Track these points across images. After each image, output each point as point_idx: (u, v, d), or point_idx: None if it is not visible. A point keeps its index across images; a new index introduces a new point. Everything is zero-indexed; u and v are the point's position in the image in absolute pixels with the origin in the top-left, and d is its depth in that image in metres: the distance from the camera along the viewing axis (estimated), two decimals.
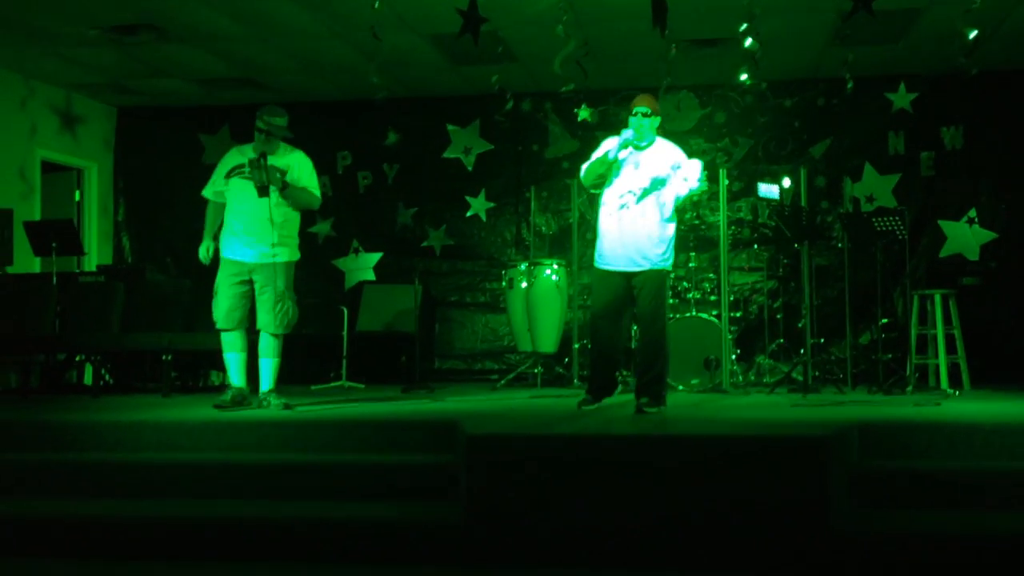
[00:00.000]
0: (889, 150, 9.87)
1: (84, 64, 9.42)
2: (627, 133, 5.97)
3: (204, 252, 6.47)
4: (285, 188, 6.24)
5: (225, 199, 6.44)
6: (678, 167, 5.96)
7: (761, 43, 7.08)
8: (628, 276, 6.01)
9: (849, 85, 8.01)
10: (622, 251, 5.97)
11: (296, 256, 6.46)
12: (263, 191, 6.15)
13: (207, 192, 6.55)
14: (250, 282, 6.33)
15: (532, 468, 4.42)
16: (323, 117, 10.71)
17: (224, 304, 6.32)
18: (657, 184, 5.95)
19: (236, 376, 6.40)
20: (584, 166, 6.14)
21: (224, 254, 6.39)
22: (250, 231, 6.27)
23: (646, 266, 5.96)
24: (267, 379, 6.34)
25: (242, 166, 6.32)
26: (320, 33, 8.55)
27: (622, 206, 5.98)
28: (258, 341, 6.38)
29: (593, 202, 6.63)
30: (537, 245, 9.94)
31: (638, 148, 6.04)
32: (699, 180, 5.87)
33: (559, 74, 7.17)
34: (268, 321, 6.30)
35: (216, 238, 6.48)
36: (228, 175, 6.40)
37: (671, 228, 6.03)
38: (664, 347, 6.07)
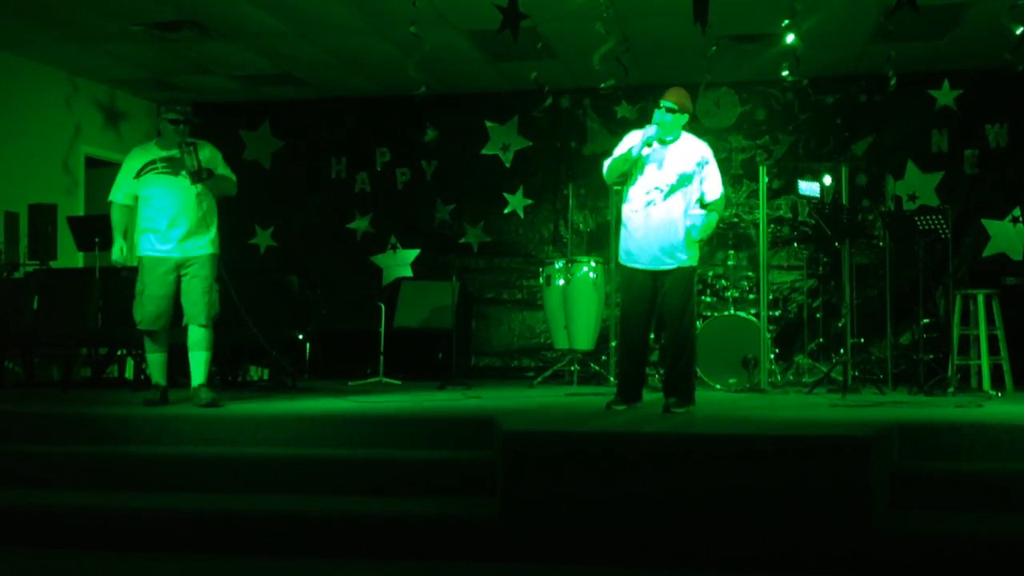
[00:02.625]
0: (932, 148, 9.76)
1: (127, 61, 9.52)
2: (649, 130, 5.86)
3: (119, 252, 6.34)
4: (211, 175, 6.21)
5: (133, 200, 6.36)
6: (705, 163, 5.91)
7: (803, 39, 7.02)
8: (655, 274, 5.93)
9: (892, 82, 7.90)
10: (649, 249, 5.89)
11: (218, 250, 6.41)
12: (197, 176, 6.13)
13: (116, 196, 6.39)
14: (176, 280, 6.29)
15: (568, 465, 4.42)
16: (362, 113, 10.78)
17: (151, 306, 6.26)
18: (684, 181, 5.87)
19: (161, 375, 6.41)
20: (607, 162, 6.04)
21: (146, 253, 6.29)
22: (176, 225, 6.21)
23: (673, 264, 5.88)
24: (199, 373, 6.31)
25: (154, 162, 6.25)
26: (360, 29, 8.59)
27: (649, 203, 5.88)
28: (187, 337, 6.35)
29: (619, 198, 6.55)
30: (575, 242, 9.92)
31: (663, 143, 5.94)
32: (713, 204, 5.87)
33: (598, 70, 7.15)
34: (196, 313, 6.26)
35: (125, 237, 6.40)
36: (139, 174, 6.29)
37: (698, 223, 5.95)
38: (692, 345, 6.01)
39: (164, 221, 6.22)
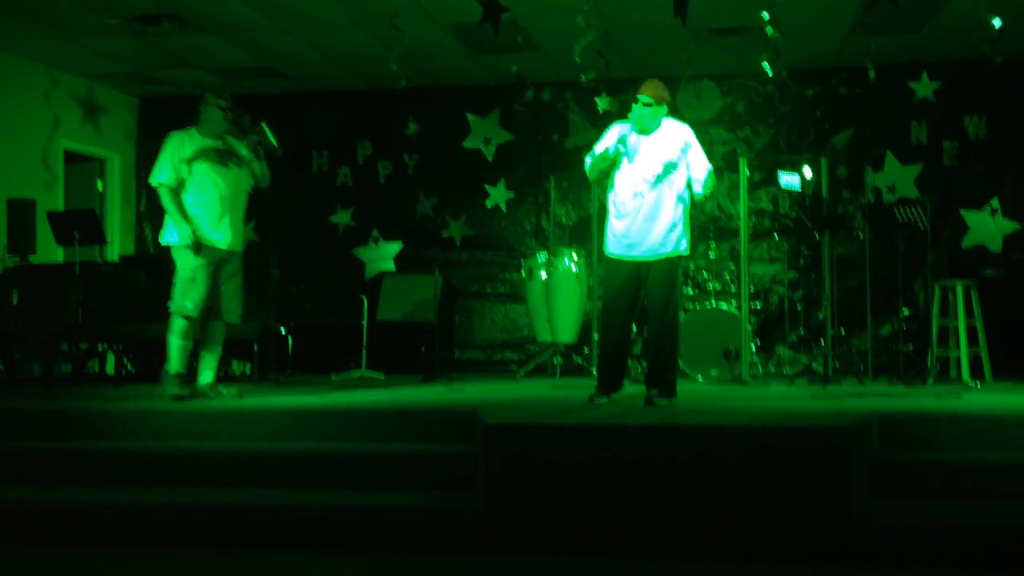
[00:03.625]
0: (912, 139, 9.81)
1: (106, 55, 9.47)
2: (625, 128, 5.88)
3: (190, 236, 6.12)
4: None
5: (173, 185, 6.19)
6: (689, 146, 5.90)
7: (782, 31, 7.05)
8: (640, 265, 5.91)
9: (871, 74, 7.96)
10: (636, 239, 5.87)
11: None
12: (275, 150, 6.14)
13: (164, 177, 6.19)
14: (217, 271, 6.24)
15: (550, 458, 4.43)
16: (344, 107, 10.75)
17: (200, 294, 6.15)
18: (669, 168, 5.85)
19: (184, 363, 6.27)
20: (588, 160, 6.03)
21: (196, 241, 6.15)
22: (225, 216, 6.20)
23: (660, 254, 5.88)
24: (214, 369, 6.35)
25: (205, 150, 6.17)
26: (341, 22, 8.57)
27: (636, 194, 5.86)
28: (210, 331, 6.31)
29: (601, 191, 6.54)
30: (557, 235, 9.93)
31: (645, 133, 5.93)
32: (704, 184, 5.86)
33: (580, 63, 7.16)
34: (234, 308, 6.29)
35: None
36: (191, 160, 6.17)
37: (684, 212, 5.94)
38: (675, 337, 5.99)
39: (215, 211, 6.18)
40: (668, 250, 5.88)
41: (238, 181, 6.30)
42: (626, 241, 5.92)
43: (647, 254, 5.88)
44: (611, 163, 5.92)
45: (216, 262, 6.23)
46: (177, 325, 6.20)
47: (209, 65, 9.82)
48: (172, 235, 6.23)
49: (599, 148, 5.96)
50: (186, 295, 6.16)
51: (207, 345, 6.35)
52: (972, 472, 4.65)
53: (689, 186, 5.95)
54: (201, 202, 6.19)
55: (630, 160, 5.90)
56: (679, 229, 5.90)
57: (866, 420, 4.79)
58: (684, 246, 5.95)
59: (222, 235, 6.22)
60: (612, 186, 5.99)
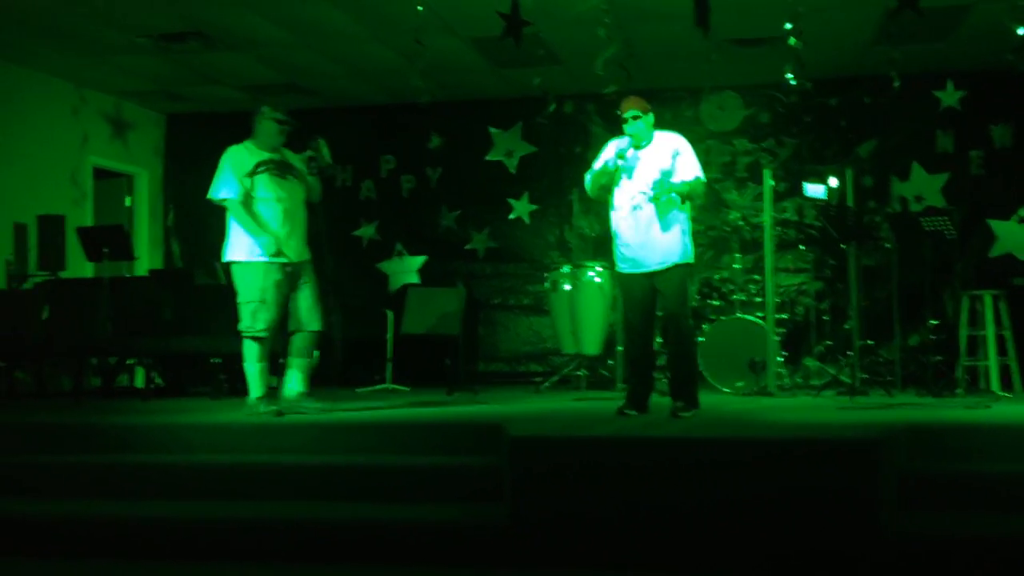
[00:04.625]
0: (937, 148, 9.75)
1: (134, 72, 9.57)
2: (622, 142, 5.94)
3: (273, 244, 6.03)
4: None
5: (245, 198, 6.10)
6: (678, 154, 5.94)
7: (805, 42, 7.03)
8: (650, 276, 5.94)
9: (896, 83, 7.92)
10: (641, 252, 5.91)
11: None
12: (330, 168, 6.07)
13: (228, 192, 6.08)
14: (288, 285, 6.16)
15: (575, 470, 4.43)
16: (367, 121, 10.81)
17: (271, 314, 6.05)
18: (666, 176, 5.87)
19: (264, 385, 6.16)
20: (587, 177, 6.09)
21: (258, 259, 6.05)
22: (287, 229, 6.10)
23: (666, 264, 5.90)
24: (301, 380, 6.20)
25: (264, 163, 6.11)
26: (364, 37, 8.63)
27: (635, 207, 5.91)
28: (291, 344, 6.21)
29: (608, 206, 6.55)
30: (580, 247, 9.94)
31: (638, 147, 5.99)
32: (693, 178, 5.87)
33: (601, 75, 7.16)
34: (313, 318, 6.19)
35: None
36: (252, 174, 6.09)
37: (685, 218, 5.97)
38: (693, 345, 6.05)
39: (280, 224, 6.09)
40: (674, 260, 5.90)
41: (298, 193, 6.21)
42: (631, 255, 5.96)
43: (653, 265, 5.91)
44: (611, 177, 5.98)
45: (286, 276, 6.11)
46: (252, 350, 6.09)
47: (234, 82, 9.91)
48: (240, 251, 6.08)
49: (598, 164, 6.05)
50: (256, 317, 6.04)
51: (292, 357, 6.22)
52: (1003, 483, 4.60)
53: (688, 197, 5.97)
54: (266, 215, 6.10)
55: (629, 176, 5.95)
56: (682, 237, 5.93)
57: (895, 431, 4.76)
58: (689, 254, 5.99)
59: (287, 248, 6.10)
60: (612, 205, 6.05)
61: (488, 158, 10.63)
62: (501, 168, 10.61)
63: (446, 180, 10.68)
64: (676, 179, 5.88)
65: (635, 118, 5.94)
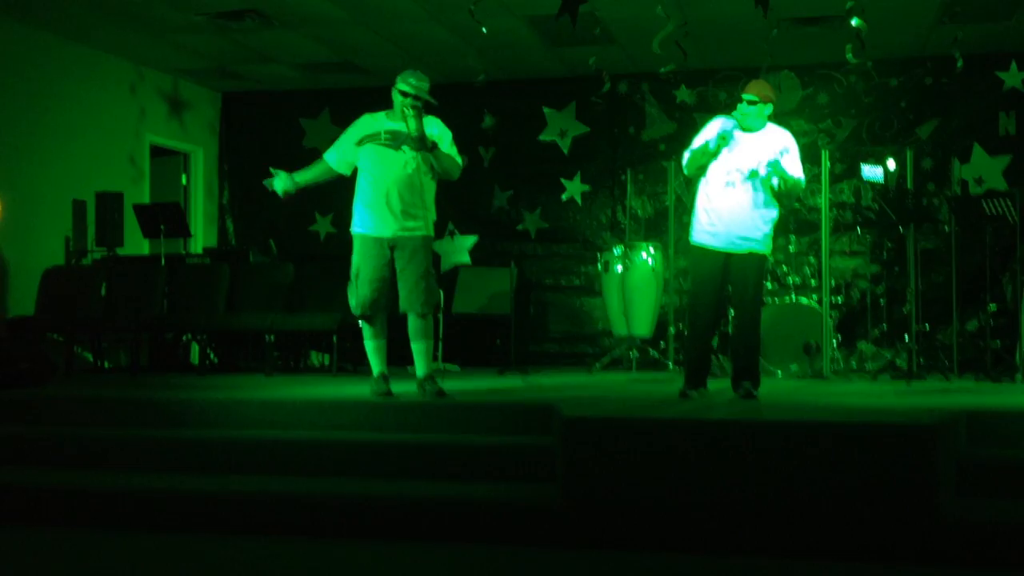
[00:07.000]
0: (1000, 131, 9.54)
1: (191, 50, 9.66)
2: (728, 123, 5.84)
3: (288, 180, 5.99)
4: (435, 147, 5.83)
5: (346, 170, 6.01)
6: (786, 151, 5.87)
7: (867, 21, 6.90)
8: (727, 256, 5.89)
9: (959, 64, 7.75)
10: (724, 229, 5.85)
11: (434, 232, 6.05)
12: (420, 143, 5.71)
13: (331, 157, 6.03)
14: (391, 261, 5.89)
15: (629, 451, 4.41)
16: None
17: (366, 290, 5.85)
18: (766, 166, 5.80)
19: (381, 363, 5.99)
20: (686, 154, 5.99)
21: (360, 231, 5.90)
22: (390, 202, 5.80)
23: (746, 247, 5.85)
24: (420, 364, 5.92)
25: (378, 134, 5.87)
26: (419, 16, 8.62)
27: (728, 184, 5.83)
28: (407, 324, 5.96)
29: (690, 185, 6.51)
30: (633, 228, 9.88)
31: (748, 132, 5.89)
32: (792, 185, 5.80)
33: (658, 55, 7.10)
34: (412, 300, 5.83)
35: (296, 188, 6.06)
36: (361, 142, 5.91)
37: (774, 212, 5.91)
38: (758, 331, 6.02)
39: (379, 197, 5.81)
40: (753, 245, 5.84)
41: (412, 164, 5.86)
42: (712, 231, 5.89)
43: (733, 245, 5.85)
44: (711, 157, 5.87)
45: (385, 252, 5.86)
46: (362, 328, 6.00)
47: (290, 60, 9.96)
48: (353, 222, 5.97)
49: (698, 142, 5.94)
50: (351, 293, 5.92)
51: (411, 340, 5.95)
52: None
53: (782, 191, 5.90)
54: (364, 188, 5.90)
55: (729, 149, 5.85)
56: (767, 227, 5.87)
57: (953, 417, 4.69)
58: (769, 245, 5.96)
59: (386, 224, 5.83)
60: (705, 174, 5.94)
61: (541, 138, 10.58)
62: (554, 148, 10.56)
63: (499, 160, 10.66)
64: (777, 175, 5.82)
65: (751, 103, 5.83)
